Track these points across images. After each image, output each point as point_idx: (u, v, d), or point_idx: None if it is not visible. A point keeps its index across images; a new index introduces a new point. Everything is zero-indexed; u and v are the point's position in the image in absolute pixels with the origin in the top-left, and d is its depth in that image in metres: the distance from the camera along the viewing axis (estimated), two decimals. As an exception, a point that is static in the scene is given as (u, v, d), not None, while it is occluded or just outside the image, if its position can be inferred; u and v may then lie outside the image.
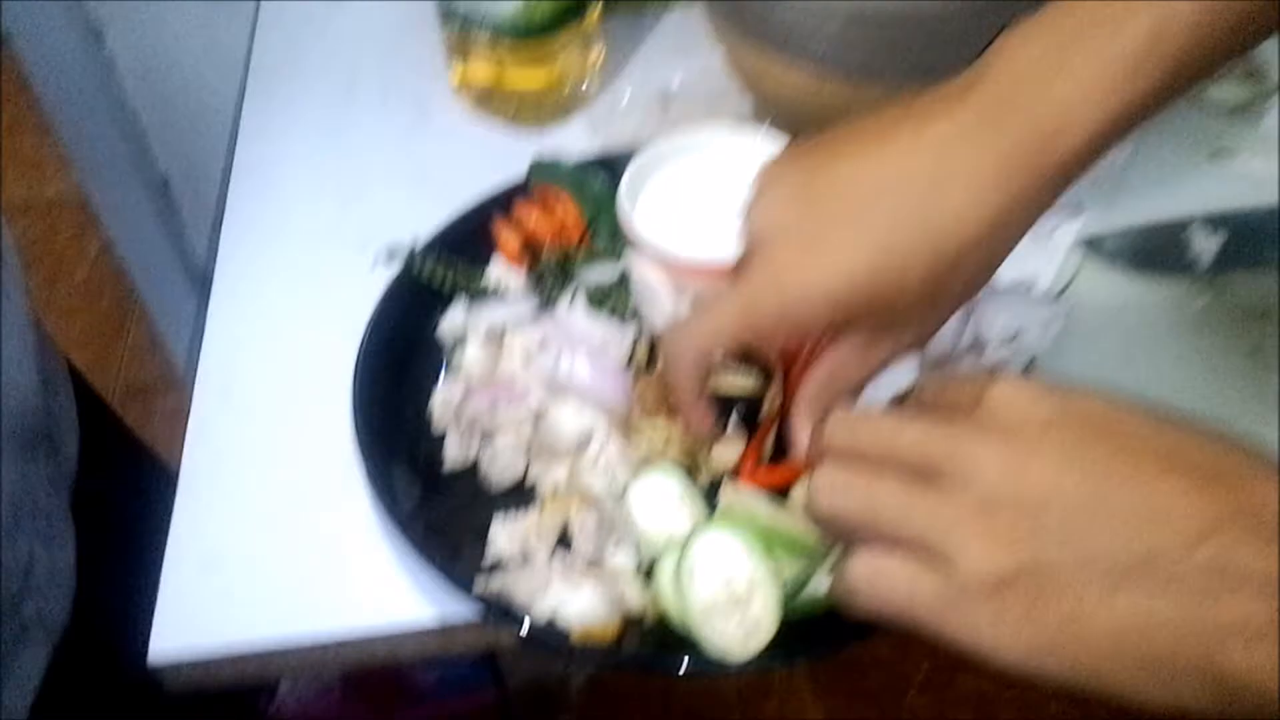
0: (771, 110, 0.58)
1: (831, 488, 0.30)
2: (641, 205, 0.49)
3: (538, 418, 0.45)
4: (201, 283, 1.20)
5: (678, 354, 0.39)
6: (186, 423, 0.52)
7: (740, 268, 0.38)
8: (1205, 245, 0.55)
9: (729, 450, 0.45)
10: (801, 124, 0.56)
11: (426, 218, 0.55)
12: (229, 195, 0.63)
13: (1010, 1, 0.47)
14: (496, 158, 0.62)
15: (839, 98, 0.51)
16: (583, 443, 0.44)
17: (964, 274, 0.36)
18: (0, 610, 0.44)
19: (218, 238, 0.61)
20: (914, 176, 0.35)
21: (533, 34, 0.59)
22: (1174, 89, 0.35)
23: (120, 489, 0.58)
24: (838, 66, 0.50)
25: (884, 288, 0.35)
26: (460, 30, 0.61)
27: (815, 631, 0.40)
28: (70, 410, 0.54)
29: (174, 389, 1.42)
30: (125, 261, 1.19)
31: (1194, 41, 0.34)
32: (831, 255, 0.35)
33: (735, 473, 0.45)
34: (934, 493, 0.28)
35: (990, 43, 0.38)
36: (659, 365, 0.49)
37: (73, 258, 1.62)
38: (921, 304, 0.36)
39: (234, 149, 0.67)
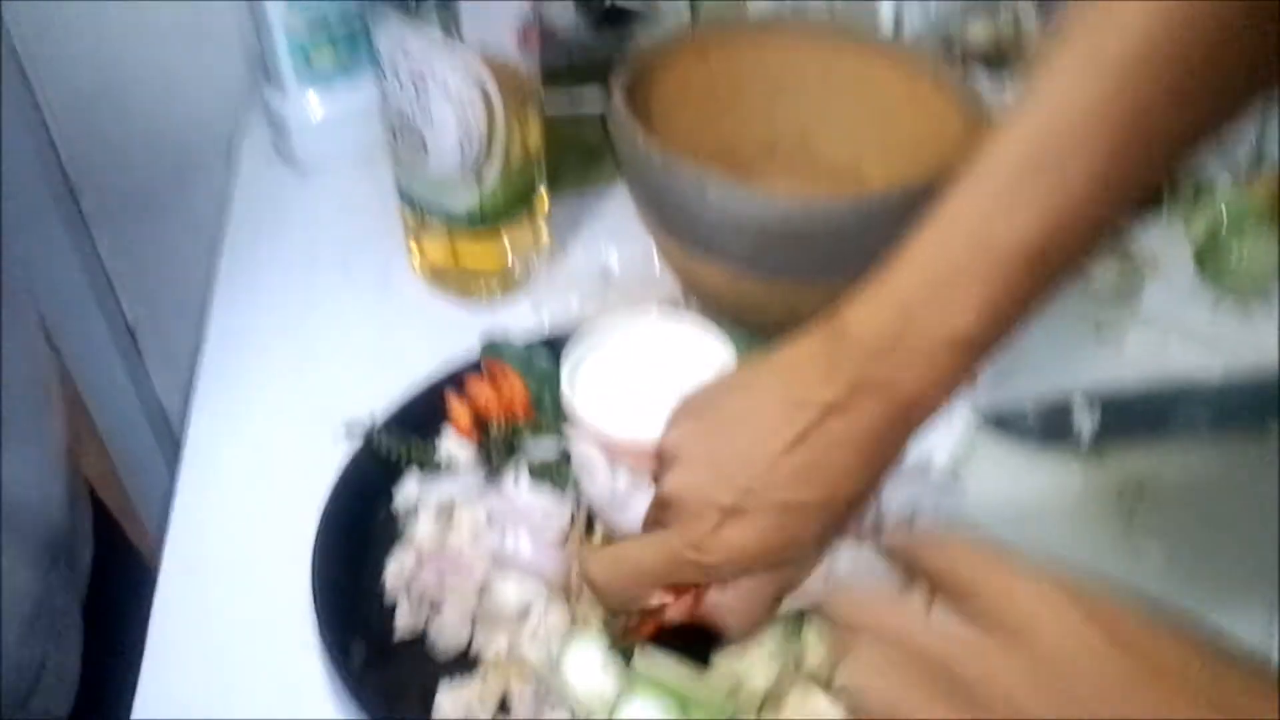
0: (696, 297, 0.65)
1: (868, 669, 0.33)
2: (580, 385, 0.55)
3: (483, 589, 0.49)
4: (164, 423, 1.23)
5: (604, 587, 0.46)
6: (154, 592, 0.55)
7: (661, 505, 0.45)
8: (1087, 421, 0.62)
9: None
10: (723, 310, 0.62)
11: (387, 388, 0.59)
12: (200, 368, 0.67)
13: (895, 216, 0.55)
14: (452, 331, 0.67)
15: (754, 292, 0.58)
16: (523, 613, 0.48)
17: (849, 515, 0.44)
18: (11, 707, 0.48)
19: (189, 408, 0.66)
20: (801, 447, 0.41)
21: (485, 223, 0.65)
22: (1022, 319, 0.41)
23: (122, 596, 0.63)
24: (752, 267, 0.56)
25: (790, 542, 0.42)
26: (417, 215, 0.67)
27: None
28: (88, 523, 0.60)
29: (129, 520, 1.43)
30: (88, 397, 1.22)
31: (1031, 286, 0.40)
32: (743, 524, 0.41)
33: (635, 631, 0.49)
34: (964, 705, 0.31)
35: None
36: (595, 537, 0.53)
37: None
38: (817, 546, 0.44)
39: (207, 315, 0.72)
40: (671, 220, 0.58)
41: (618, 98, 0.58)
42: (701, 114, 0.67)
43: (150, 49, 0.96)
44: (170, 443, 1.23)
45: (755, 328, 0.59)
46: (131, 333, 1.15)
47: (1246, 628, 0.52)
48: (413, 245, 0.70)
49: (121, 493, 1.37)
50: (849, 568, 0.50)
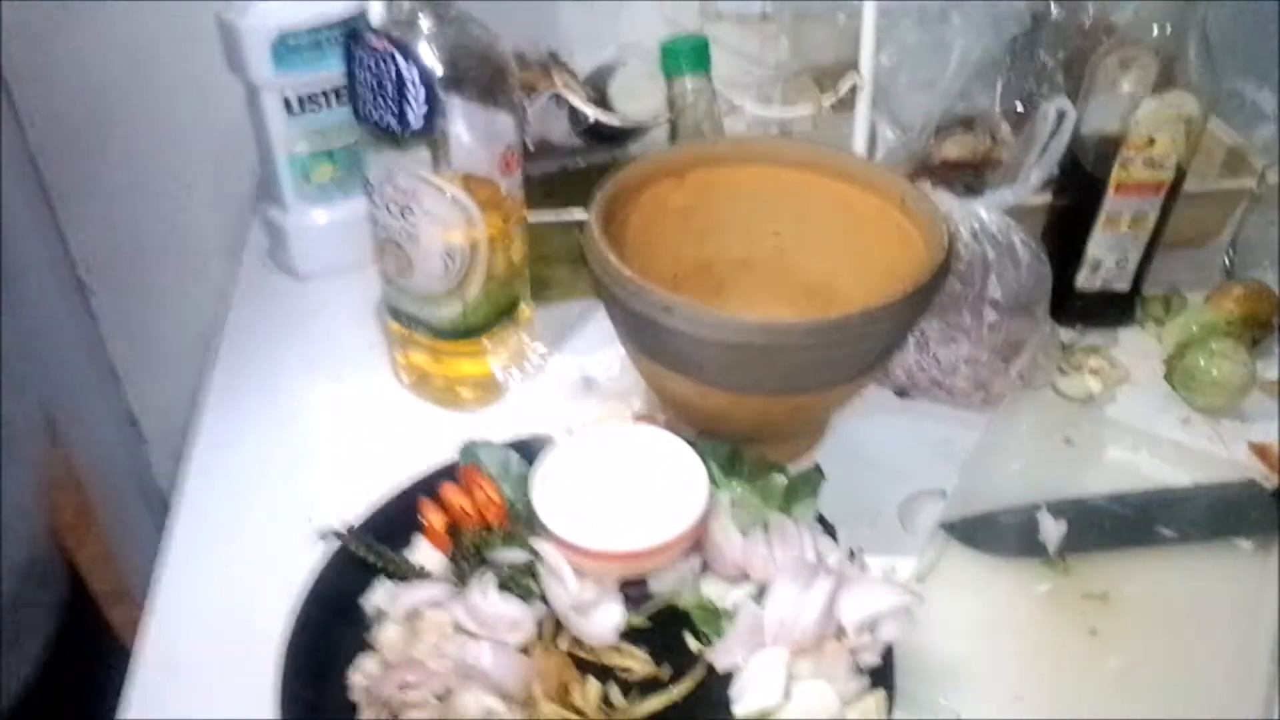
0: (668, 409, 0.67)
1: None
2: (549, 494, 0.56)
3: (444, 699, 0.50)
4: (163, 509, 1.25)
5: None
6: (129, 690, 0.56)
7: None
8: (1051, 530, 0.62)
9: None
10: (694, 422, 0.64)
11: (367, 491, 0.61)
12: (189, 464, 0.70)
13: (856, 335, 0.57)
14: (434, 437, 0.69)
15: (722, 405, 0.60)
16: (484, 724, 0.49)
17: None
18: None
19: (175, 502, 0.68)
20: None
21: (468, 335, 0.68)
22: None
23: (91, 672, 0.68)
24: (719, 383, 0.58)
25: None
26: (402, 327, 0.70)
27: None
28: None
29: (121, 603, 1.44)
30: (89, 482, 1.24)
31: None
32: None
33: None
34: None
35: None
36: (561, 644, 0.54)
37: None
38: None
39: (200, 411, 0.74)
40: (641, 338, 0.60)
41: (593, 220, 0.61)
42: (679, 232, 0.70)
43: (163, 152, 1.01)
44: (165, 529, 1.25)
45: (726, 437, 0.61)
46: (134, 421, 1.18)
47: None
48: (398, 355, 0.73)
49: (118, 575, 1.38)
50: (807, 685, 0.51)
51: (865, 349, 0.59)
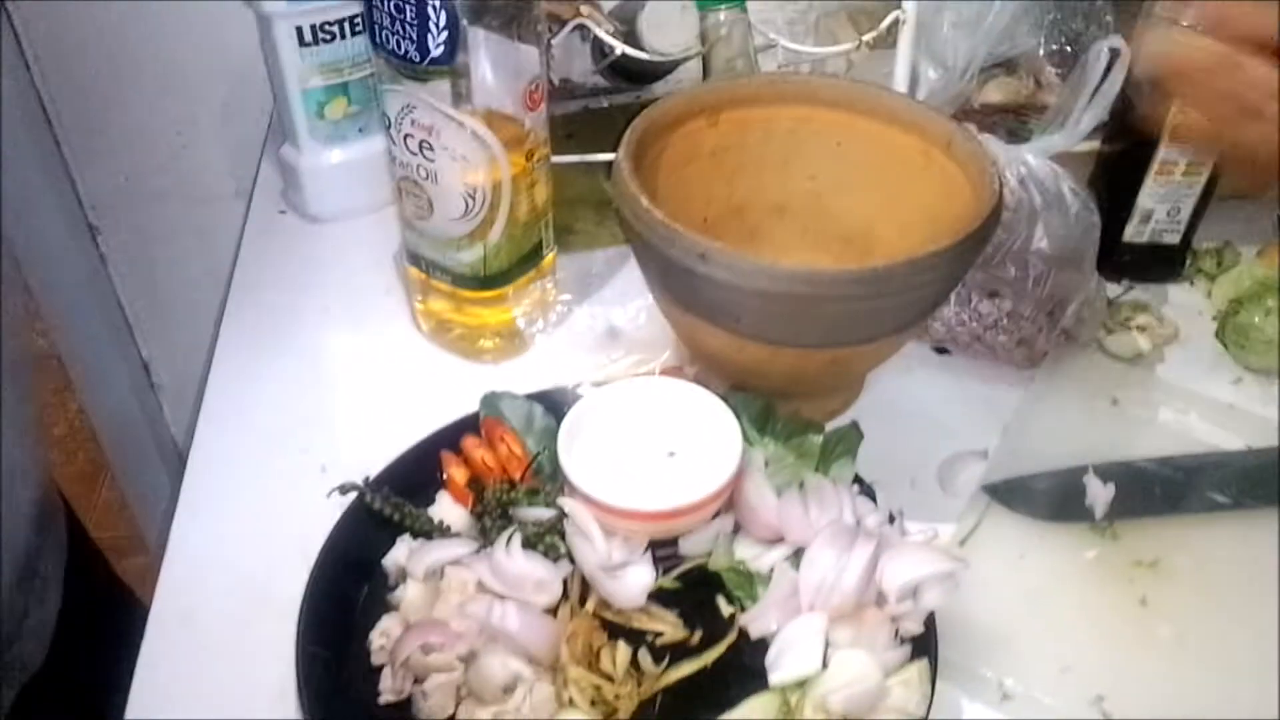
0: (700, 361, 0.64)
1: None
2: (578, 451, 0.53)
3: (468, 661, 0.48)
4: (177, 459, 1.24)
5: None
6: (140, 648, 0.54)
7: None
8: (1099, 494, 0.60)
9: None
10: (727, 375, 0.61)
11: (385, 443, 0.59)
12: (201, 412, 0.67)
13: (900, 286, 0.54)
14: (454, 388, 0.67)
15: (758, 358, 0.57)
16: (509, 688, 0.47)
17: None
18: None
19: (188, 451, 0.65)
20: None
21: (490, 283, 0.65)
22: None
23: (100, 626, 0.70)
24: (755, 335, 0.55)
25: None
26: (422, 273, 0.67)
27: None
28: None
29: (136, 552, 1.44)
30: (99, 428, 1.23)
31: None
32: None
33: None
34: None
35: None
36: (589, 606, 0.52)
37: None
38: None
39: (211, 359, 0.72)
40: (674, 287, 0.57)
41: (622, 161, 0.58)
42: (711, 175, 0.66)
43: (173, 94, 0.97)
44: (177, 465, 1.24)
45: (760, 392, 0.58)
46: (146, 369, 1.16)
47: (1259, 712, 0.51)
48: (417, 302, 0.70)
49: (133, 525, 1.38)
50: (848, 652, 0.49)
51: (910, 301, 0.56)
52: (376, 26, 0.56)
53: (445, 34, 0.54)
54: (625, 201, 0.57)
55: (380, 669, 0.50)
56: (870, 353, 0.60)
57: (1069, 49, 0.85)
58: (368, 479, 0.57)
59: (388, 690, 0.49)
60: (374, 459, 0.58)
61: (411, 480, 0.58)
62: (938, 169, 0.62)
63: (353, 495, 0.56)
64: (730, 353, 0.58)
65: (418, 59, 0.55)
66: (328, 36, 0.72)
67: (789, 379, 0.60)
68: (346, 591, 0.54)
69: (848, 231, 0.67)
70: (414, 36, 0.54)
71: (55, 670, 0.63)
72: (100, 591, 0.76)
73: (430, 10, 0.53)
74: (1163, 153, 0.71)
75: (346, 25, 0.73)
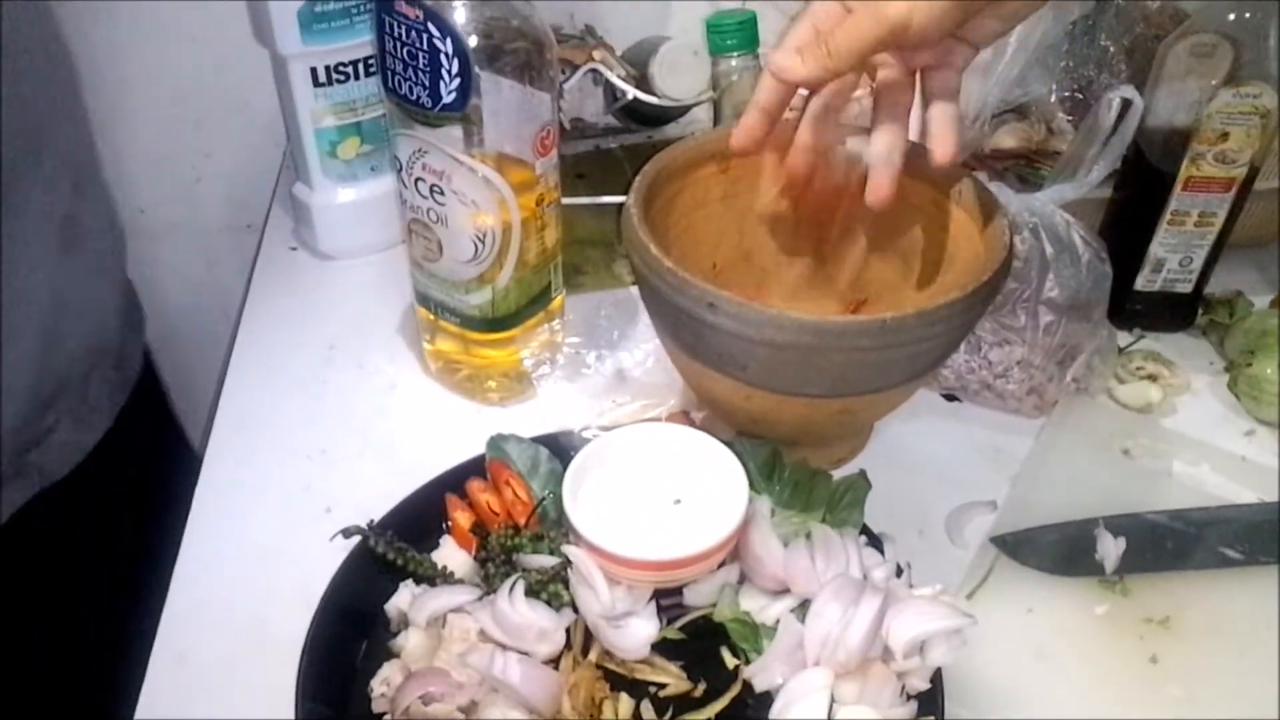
0: (709, 409, 0.64)
1: None
2: (583, 498, 0.53)
3: (469, 712, 0.48)
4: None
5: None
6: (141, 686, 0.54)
7: None
8: (1110, 548, 0.59)
9: None
10: (736, 423, 0.61)
11: (389, 485, 0.58)
12: (208, 447, 0.67)
13: (910, 337, 0.53)
14: (459, 428, 0.67)
15: (765, 406, 0.57)
16: (510, 741, 0.47)
17: None
18: (10, 452, 0.63)
19: (193, 487, 0.65)
20: None
21: (498, 325, 0.65)
22: None
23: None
24: (764, 384, 0.55)
25: None
26: (431, 314, 0.67)
27: None
28: (138, 343, 0.79)
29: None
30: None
31: None
32: None
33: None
34: None
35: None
36: (591, 656, 0.52)
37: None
38: None
39: (219, 395, 0.72)
40: (682, 334, 0.57)
41: (632, 205, 0.58)
42: (721, 219, 0.66)
43: (189, 128, 0.98)
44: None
45: (767, 439, 0.58)
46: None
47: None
48: (426, 343, 0.70)
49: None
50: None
51: (920, 352, 0.55)
52: (389, 72, 0.56)
53: (458, 81, 0.54)
54: (634, 248, 0.57)
55: (381, 717, 0.50)
56: (879, 402, 0.60)
57: (1080, 95, 0.85)
58: (371, 522, 0.56)
59: (388, 739, 0.49)
60: (379, 499, 0.58)
61: (416, 524, 0.57)
62: (948, 217, 0.62)
63: (356, 538, 0.56)
64: (738, 400, 0.58)
65: (430, 105, 0.55)
66: (342, 77, 0.73)
67: (796, 428, 0.60)
68: (347, 637, 0.53)
69: (857, 278, 0.67)
70: (426, 83, 0.55)
71: (83, 485, 0.70)
72: (156, 439, 0.84)
73: (443, 58, 0.53)
74: (1175, 202, 0.71)
75: (361, 66, 0.73)
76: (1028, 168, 0.83)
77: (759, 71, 0.76)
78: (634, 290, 0.78)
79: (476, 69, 0.54)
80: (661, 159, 0.62)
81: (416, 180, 0.59)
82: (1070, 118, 0.84)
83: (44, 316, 0.65)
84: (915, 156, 0.60)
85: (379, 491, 0.58)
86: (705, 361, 0.56)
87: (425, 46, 0.54)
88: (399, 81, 0.56)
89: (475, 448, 0.60)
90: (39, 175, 0.62)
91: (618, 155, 0.92)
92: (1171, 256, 0.73)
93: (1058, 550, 0.60)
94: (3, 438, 0.62)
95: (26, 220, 0.61)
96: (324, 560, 0.55)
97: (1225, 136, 0.67)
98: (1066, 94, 0.86)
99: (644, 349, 0.71)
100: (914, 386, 0.60)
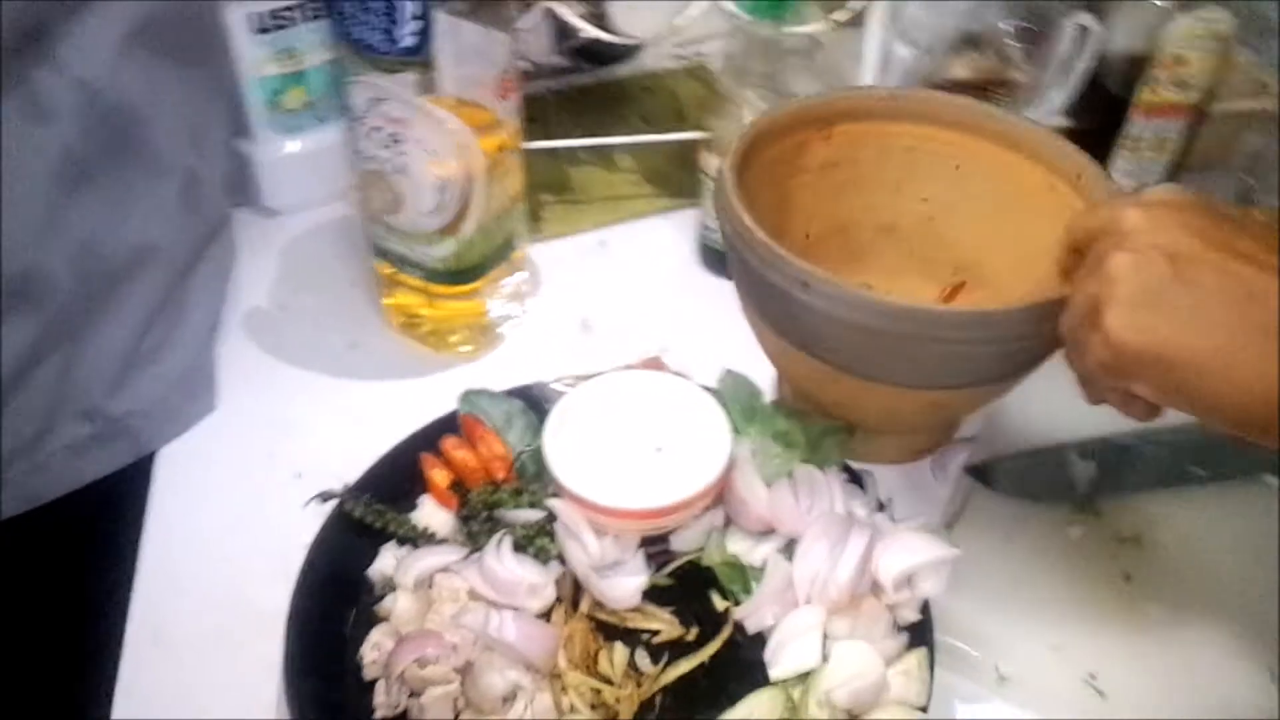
0: (790, 389, 0.62)
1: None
2: (564, 449, 0.52)
3: (465, 672, 0.47)
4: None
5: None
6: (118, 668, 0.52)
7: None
8: (1081, 471, 0.60)
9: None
10: (817, 407, 0.58)
11: (359, 447, 0.57)
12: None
13: (1014, 333, 0.50)
14: (427, 387, 0.65)
15: (852, 393, 0.54)
16: (509, 698, 0.46)
17: None
18: None
19: (152, 464, 0.63)
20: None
21: (462, 277, 0.63)
22: None
23: None
24: (852, 368, 0.53)
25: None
26: (391, 268, 0.65)
27: None
28: None
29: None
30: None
31: None
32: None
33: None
34: None
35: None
36: (583, 607, 0.51)
37: None
38: None
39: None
40: (770, 311, 0.54)
41: (727, 172, 0.54)
42: (818, 189, 0.62)
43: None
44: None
45: (847, 424, 0.57)
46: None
47: (1245, 683, 0.51)
48: (384, 297, 0.68)
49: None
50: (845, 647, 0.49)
51: (1021, 349, 0.51)
52: (340, 16, 0.53)
53: (415, 23, 0.52)
54: (726, 216, 0.53)
55: (374, 683, 0.49)
56: (971, 398, 0.58)
57: (1035, 25, 0.84)
58: (346, 485, 0.55)
59: (383, 705, 0.48)
60: (349, 462, 0.56)
61: (392, 485, 0.56)
62: (1064, 203, 0.57)
63: (332, 503, 0.54)
64: (823, 382, 0.55)
65: (387, 50, 0.53)
66: (284, 22, 0.69)
67: (881, 416, 0.58)
68: (333, 605, 0.52)
69: (958, 260, 0.64)
70: (383, 26, 0.52)
71: None
72: None
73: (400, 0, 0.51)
74: (1131, 128, 0.71)
75: (305, 9, 0.69)
76: (984, 97, 0.83)
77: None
78: (595, 234, 0.77)
79: (433, 10, 0.52)
80: (760, 122, 0.57)
81: (373, 130, 0.57)
82: (1025, 46, 0.84)
83: None
84: (1032, 136, 0.57)
85: (348, 453, 0.56)
86: (792, 340, 0.53)
87: (379, -12, 0.51)
88: (351, 26, 0.53)
89: (444, 404, 0.59)
90: None
91: (568, 97, 0.90)
92: (1126, 182, 0.74)
93: (1031, 476, 0.61)
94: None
95: None
96: (299, 528, 0.53)
97: (1182, 61, 0.68)
98: (1021, 23, 0.85)
99: (608, 294, 0.70)
100: (1008, 385, 0.56)
